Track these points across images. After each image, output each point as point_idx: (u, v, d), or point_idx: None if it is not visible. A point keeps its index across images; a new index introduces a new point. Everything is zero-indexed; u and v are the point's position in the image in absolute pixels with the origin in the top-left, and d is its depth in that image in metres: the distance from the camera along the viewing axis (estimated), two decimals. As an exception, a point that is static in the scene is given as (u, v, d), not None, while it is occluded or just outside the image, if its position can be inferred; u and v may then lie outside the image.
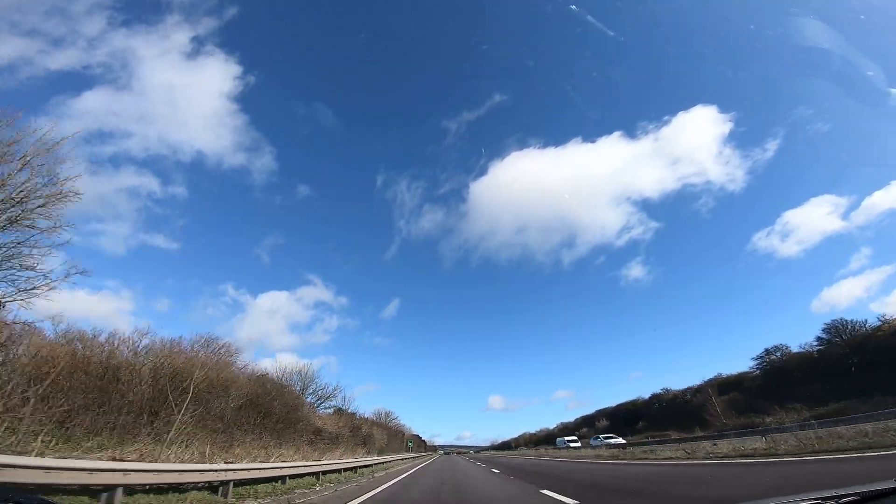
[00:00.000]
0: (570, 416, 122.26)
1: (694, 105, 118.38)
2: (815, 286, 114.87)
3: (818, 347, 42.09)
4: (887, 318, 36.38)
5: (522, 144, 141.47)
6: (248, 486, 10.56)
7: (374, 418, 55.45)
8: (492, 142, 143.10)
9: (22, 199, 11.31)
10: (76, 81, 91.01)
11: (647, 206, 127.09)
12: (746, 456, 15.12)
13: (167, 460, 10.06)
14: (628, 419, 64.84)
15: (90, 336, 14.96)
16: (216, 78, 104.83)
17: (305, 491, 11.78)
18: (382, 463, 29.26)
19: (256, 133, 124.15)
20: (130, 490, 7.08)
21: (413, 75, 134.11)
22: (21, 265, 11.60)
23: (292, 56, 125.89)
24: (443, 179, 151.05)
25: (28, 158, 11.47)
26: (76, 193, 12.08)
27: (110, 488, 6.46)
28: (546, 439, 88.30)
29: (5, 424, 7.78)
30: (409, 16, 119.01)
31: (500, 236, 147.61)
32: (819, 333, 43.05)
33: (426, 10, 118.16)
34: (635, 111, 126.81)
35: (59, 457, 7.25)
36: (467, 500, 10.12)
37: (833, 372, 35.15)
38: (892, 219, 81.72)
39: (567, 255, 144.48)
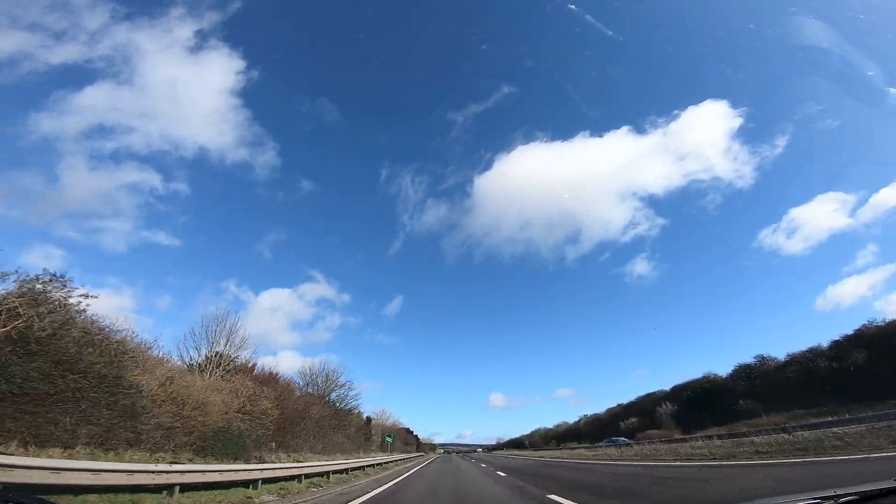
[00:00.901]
0: (572, 415, 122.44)
1: (703, 100, 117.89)
2: (820, 284, 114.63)
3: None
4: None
5: (529, 138, 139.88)
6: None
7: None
8: (498, 135, 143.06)
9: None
10: (77, 76, 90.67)
11: (653, 202, 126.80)
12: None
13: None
14: (701, 402, 44.50)
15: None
16: (219, 73, 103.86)
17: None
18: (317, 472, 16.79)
19: (259, 128, 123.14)
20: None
21: (418, 67, 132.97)
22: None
23: (296, 51, 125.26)
24: (447, 174, 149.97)
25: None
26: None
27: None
28: (568, 436, 78.29)
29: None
30: (415, 8, 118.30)
31: (504, 231, 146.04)
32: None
33: (433, 3, 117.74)
34: (644, 105, 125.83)
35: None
36: None
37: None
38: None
39: (571, 252, 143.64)
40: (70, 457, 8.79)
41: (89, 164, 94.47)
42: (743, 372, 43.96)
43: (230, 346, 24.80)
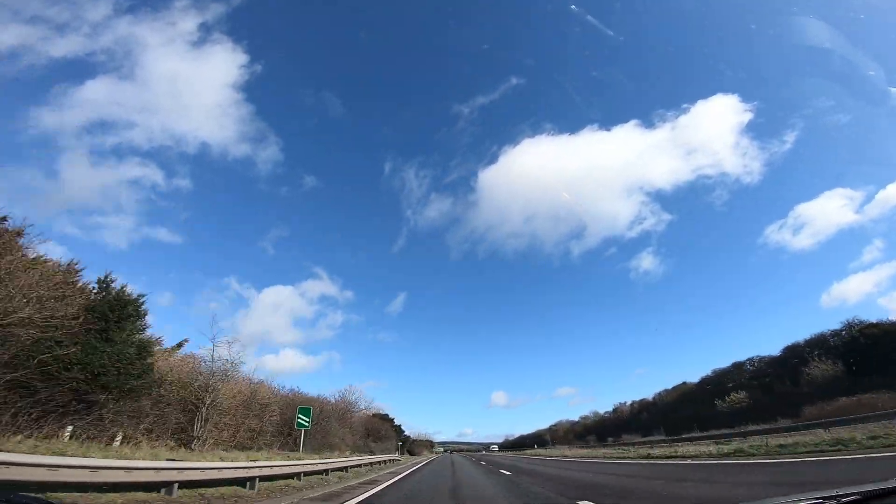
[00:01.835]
0: (573, 414, 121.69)
1: (714, 93, 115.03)
2: (825, 280, 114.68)
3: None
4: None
5: (536, 130, 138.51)
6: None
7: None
8: (504, 128, 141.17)
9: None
10: (78, 70, 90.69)
11: (659, 197, 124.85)
12: None
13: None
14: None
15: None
16: (222, 67, 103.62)
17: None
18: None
19: (262, 123, 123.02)
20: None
21: (425, 59, 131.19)
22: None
23: (299, 44, 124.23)
24: (452, 167, 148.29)
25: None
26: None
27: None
28: (609, 429, 65.93)
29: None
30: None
31: (508, 226, 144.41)
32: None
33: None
34: (653, 98, 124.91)
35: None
36: None
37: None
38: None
39: (576, 247, 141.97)
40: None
41: (90, 160, 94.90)
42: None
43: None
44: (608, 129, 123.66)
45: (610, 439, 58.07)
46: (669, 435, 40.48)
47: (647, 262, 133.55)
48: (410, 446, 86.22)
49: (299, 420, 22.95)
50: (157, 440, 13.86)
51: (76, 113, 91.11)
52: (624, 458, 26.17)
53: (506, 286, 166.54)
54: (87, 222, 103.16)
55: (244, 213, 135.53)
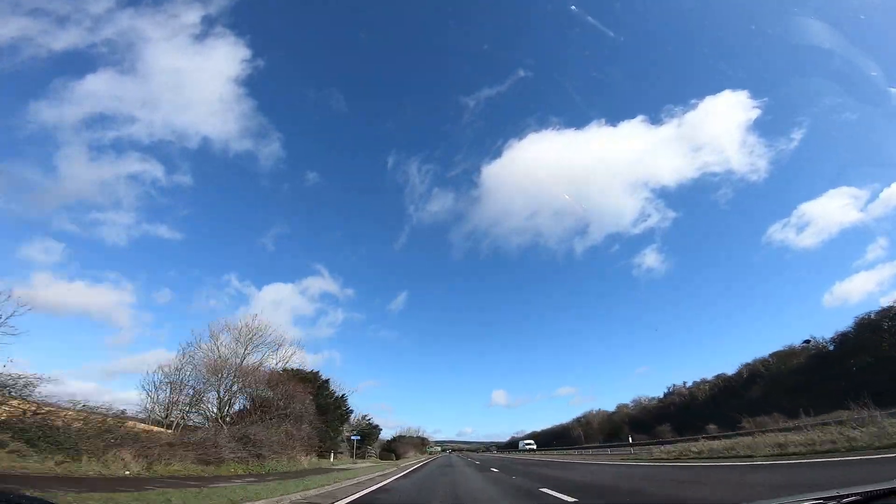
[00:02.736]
0: (574, 413, 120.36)
1: (722, 90, 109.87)
2: (828, 280, 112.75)
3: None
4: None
5: (542, 124, 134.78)
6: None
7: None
8: (510, 121, 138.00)
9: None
10: (79, 63, 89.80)
11: (664, 194, 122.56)
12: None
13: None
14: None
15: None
16: (224, 61, 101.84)
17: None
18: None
19: (264, 118, 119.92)
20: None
21: (431, 50, 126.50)
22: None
23: (302, 37, 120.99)
24: (456, 161, 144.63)
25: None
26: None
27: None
28: (652, 418, 56.20)
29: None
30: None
31: (511, 222, 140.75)
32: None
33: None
34: (661, 93, 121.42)
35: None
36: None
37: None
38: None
39: (579, 244, 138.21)
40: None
41: (89, 155, 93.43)
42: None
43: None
44: (614, 125, 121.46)
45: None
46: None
47: (650, 258, 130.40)
48: (390, 444, 70.95)
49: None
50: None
51: (76, 107, 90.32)
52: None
53: (508, 284, 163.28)
54: (86, 218, 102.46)
55: (245, 210, 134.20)
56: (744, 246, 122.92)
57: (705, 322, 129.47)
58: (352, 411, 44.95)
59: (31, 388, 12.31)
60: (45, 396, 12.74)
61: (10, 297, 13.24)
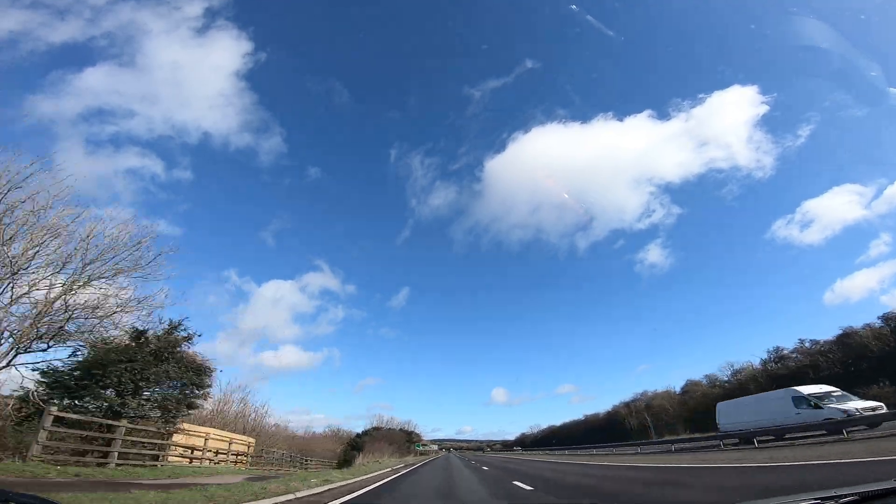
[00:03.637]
0: (575, 412, 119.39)
1: (731, 85, 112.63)
2: (830, 277, 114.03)
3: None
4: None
5: (548, 116, 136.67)
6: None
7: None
8: (516, 113, 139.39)
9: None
10: (78, 56, 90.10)
11: (669, 190, 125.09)
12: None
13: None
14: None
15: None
16: (226, 54, 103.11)
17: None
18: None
19: (265, 112, 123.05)
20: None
21: (436, 40, 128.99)
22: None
23: (306, 27, 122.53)
24: (460, 154, 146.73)
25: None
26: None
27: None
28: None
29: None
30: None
31: (514, 217, 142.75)
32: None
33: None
34: (669, 87, 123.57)
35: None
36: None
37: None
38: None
39: (582, 239, 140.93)
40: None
41: (86, 149, 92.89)
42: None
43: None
44: (621, 119, 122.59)
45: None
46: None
47: (653, 254, 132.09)
48: (357, 441, 55.82)
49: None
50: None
51: (74, 101, 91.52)
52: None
53: (509, 281, 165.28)
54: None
55: (245, 205, 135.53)
56: (747, 242, 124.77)
57: (707, 320, 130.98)
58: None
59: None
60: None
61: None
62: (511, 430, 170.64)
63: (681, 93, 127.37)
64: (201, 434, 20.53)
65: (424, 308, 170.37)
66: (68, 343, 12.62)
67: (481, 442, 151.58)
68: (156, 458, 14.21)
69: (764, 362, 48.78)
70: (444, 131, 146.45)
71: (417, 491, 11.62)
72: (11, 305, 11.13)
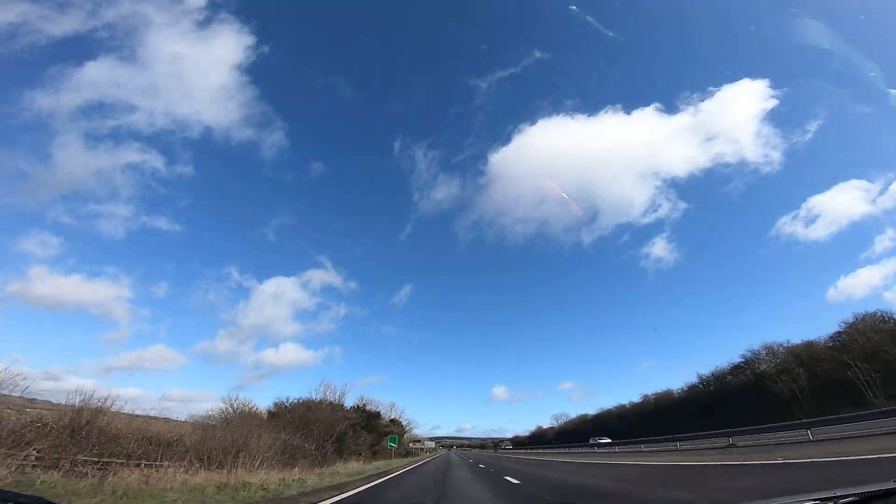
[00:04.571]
0: (576, 409, 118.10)
1: (741, 78, 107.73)
2: (834, 274, 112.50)
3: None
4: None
5: (555, 107, 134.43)
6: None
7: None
8: (523, 105, 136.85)
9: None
10: (78, 49, 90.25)
11: (675, 185, 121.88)
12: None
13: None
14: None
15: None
16: (228, 48, 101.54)
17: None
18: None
19: (268, 106, 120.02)
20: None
21: (442, 29, 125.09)
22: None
23: (309, 19, 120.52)
24: (465, 146, 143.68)
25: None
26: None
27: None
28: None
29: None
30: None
31: (518, 211, 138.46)
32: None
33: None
34: (678, 79, 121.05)
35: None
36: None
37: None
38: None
39: (587, 234, 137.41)
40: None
41: (86, 144, 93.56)
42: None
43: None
44: (628, 113, 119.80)
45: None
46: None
47: (659, 248, 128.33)
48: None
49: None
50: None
51: (73, 95, 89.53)
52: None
53: (512, 276, 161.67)
54: (83, 210, 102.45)
55: (247, 201, 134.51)
56: (753, 238, 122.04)
57: (711, 317, 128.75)
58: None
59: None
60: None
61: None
62: (511, 428, 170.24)
63: (690, 85, 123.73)
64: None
65: (426, 305, 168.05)
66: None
67: (483, 440, 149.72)
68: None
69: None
70: (448, 123, 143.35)
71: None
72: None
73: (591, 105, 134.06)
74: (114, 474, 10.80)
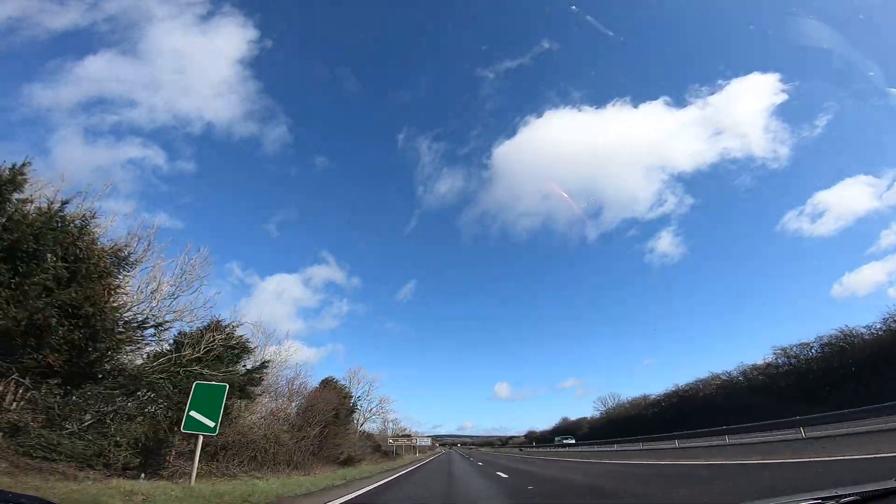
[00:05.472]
0: (577, 408, 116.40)
1: (751, 71, 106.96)
2: (839, 270, 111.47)
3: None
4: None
5: (563, 99, 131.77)
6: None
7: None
8: (530, 96, 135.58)
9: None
10: (78, 43, 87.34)
11: (682, 179, 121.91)
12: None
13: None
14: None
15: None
16: (231, 41, 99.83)
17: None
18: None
19: (270, 100, 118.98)
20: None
21: (451, 18, 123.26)
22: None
23: (312, 10, 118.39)
24: (470, 138, 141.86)
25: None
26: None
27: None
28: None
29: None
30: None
31: (523, 205, 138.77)
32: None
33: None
34: (687, 71, 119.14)
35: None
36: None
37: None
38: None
39: (592, 228, 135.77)
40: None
41: (86, 139, 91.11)
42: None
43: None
44: (636, 106, 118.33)
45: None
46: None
47: (664, 243, 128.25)
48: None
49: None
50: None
51: (73, 89, 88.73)
52: None
53: (517, 271, 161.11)
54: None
55: (249, 197, 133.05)
56: (759, 234, 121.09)
57: (715, 312, 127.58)
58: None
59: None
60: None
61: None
62: (512, 427, 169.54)
63: (699, 78, 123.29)
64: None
65: (430, 301, 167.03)
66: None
67: (486, 437, 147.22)
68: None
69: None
70: (454, 114, 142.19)
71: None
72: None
73: (598, 97, 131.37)
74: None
